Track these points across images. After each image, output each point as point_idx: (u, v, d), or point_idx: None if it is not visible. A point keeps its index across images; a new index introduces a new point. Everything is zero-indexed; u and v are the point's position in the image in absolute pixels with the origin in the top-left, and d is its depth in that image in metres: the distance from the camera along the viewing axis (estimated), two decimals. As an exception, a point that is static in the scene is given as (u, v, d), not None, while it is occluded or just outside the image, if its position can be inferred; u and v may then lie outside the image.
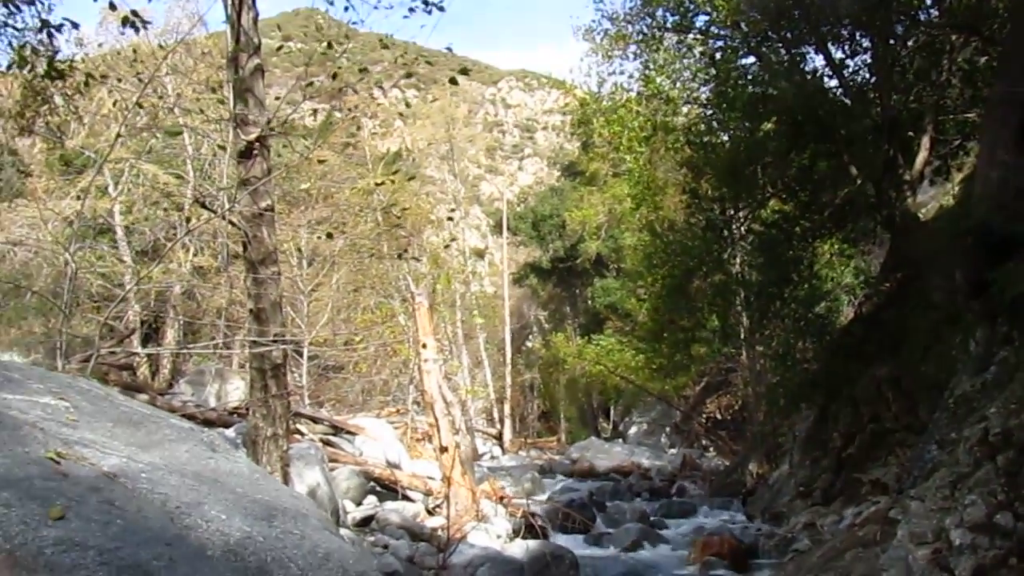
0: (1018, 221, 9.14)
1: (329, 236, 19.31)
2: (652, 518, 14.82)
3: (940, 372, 10.70)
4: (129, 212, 22.84)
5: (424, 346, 12.88)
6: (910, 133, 14.37)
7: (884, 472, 11.53)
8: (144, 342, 22.98)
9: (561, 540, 12.18)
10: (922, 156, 14.04)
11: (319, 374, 23.90)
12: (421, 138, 37.23)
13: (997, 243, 9.61)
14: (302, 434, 13.91)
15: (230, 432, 12.51)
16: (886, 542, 7.99)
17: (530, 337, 42.71)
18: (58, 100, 10.55)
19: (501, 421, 34.22)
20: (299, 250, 21.90)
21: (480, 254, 47.20)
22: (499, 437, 33.02)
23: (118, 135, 12.93)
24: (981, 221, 9.71)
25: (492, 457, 28.67)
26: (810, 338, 15.86)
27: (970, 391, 9.07)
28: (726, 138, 17.14)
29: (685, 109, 18.91)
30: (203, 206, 9.14)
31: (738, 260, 17.72)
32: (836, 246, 16.84)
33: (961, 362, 10.03)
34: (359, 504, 11.88)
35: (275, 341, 8.05)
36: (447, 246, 27.24)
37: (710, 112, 17.54)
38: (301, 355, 20.87)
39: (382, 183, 16.53)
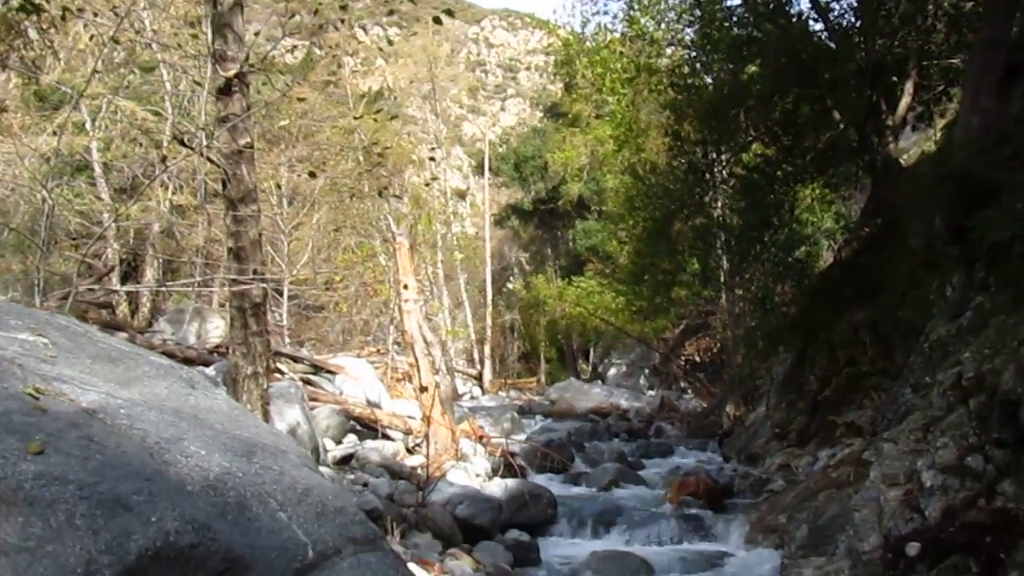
0: (998, 167, 9.16)
1: (311, 175, 19.20)
2: (630, 458, 14.97)
3: (917, 317, 10.80)
4: (107, 149, 22.57)
5: (405, 286, 12.87)
6: (894, 78, 14.33)
7: (859, 415, 11.67)
8: (123, 280, 22.87)
9: (539, 479, 12.31)
10: (905, 101, 14.01)
11: (299, 314, 23.88)
12: (403, 77, 36.84)
13: (977, 189, 9.65)
14: (282, 373, 13.93)
15: (210, 370, 12.52)
16: (859, 483, 8.12)
17: (511, 278, 42.74)
18: (33, 34, 10.37)
19: (481, 362, 34.38)
20: (279, 188, 21.75)
21: (462, 195, 47.02)
22: (479, 378, 33.20)
23: (95, 70, 12.73)
24: (961, 167, 9.72)
25: (472, 397, 28.86)
26: (789, 282, 15.97)
27: (945, 336, 9.17)
28: (709, 81, 17.06)
29: (669, 51, 18.80)
30: (182, 143, 9.04)
31: (719, 203, 17.72)
32: (817, 191, 16.87)
33: (937, 307, 10.12)
34: (339, 443, 11.94)
35: (255, 280, 8.02)
36: (428, 185, 27.08)
37: (694, 54, 17.43)
38: (281, 294, 20.84)
39: (361, 118, 16.37)
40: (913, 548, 6.65)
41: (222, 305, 19.38)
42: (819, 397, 12.84)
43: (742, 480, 12.05)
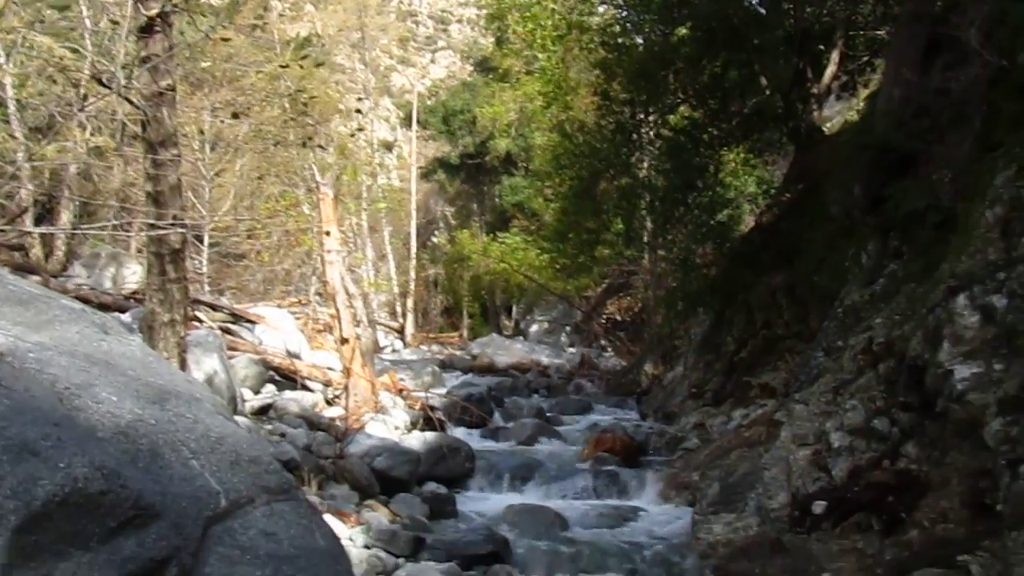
0: (916, 139, 9.36)
1: (235, 116, 18.78)
2: (548, 414, 15.11)
3: (832, 282, 11.04)
4: (22, 86, 21.77)
5: (327, 234, 12.71)
6: (821, 47, 14.52)
7: (773, 377, 11.94)
8: (37, 222, 22.18)
9: (458, 433, 12.36)
10: (831, 70, 14.22)
11: (220, 262, 23.46)
12: (332, 24, 36.13)
13: (895, 160, 9.86)
14: (200, 321, 13.70)
15: (126, 317, 12.26)
16: (770, 443, 8.31)
17: (436, 232, 42.56)
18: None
19: (403, 315, 34.24)
20: (201, 133, 21.25)
21: (388, 146, 46.49)
22: (401, 331, 33.08)
23: (7, 1, 12.23)
24: (881, 137, 9.92)
25: (393, 350, 28.76)
26: (710, 244, 16.17)
27: (858, 301, 9.39)
28: (640, 41, 17.07)
29: (601, 9, 18.77)
30: (100, 83, 8.73)
31: (645, 164, 17.81)
32: (742, 155, 17.07)
33: (852, 274, 10.35)
34: (257, 393, 11.83)
35: (174, 225, 7.87)
36: (354, 136, 26.73)
37: (625, 13, 17.42)
38: (201, 241, 20.45)
39: (287, 67, 16.04)
40: (819, 506, 6.86)
41: (140, 251, 18.95)
42: (735, 358, 13.09)
43: (658, 438, 12.25)
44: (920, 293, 7.56)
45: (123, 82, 8.04)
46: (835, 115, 18.01)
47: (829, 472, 7.18)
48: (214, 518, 2.66)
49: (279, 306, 18.21)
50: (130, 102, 8.18)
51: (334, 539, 3.03)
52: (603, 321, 27.94)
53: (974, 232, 6.73)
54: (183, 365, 8.08)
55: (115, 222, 18.29)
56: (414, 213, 36.04)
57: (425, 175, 40.57)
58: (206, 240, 20.30)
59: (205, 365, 9.98)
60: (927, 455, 6.66)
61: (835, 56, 14.08)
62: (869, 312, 8.86)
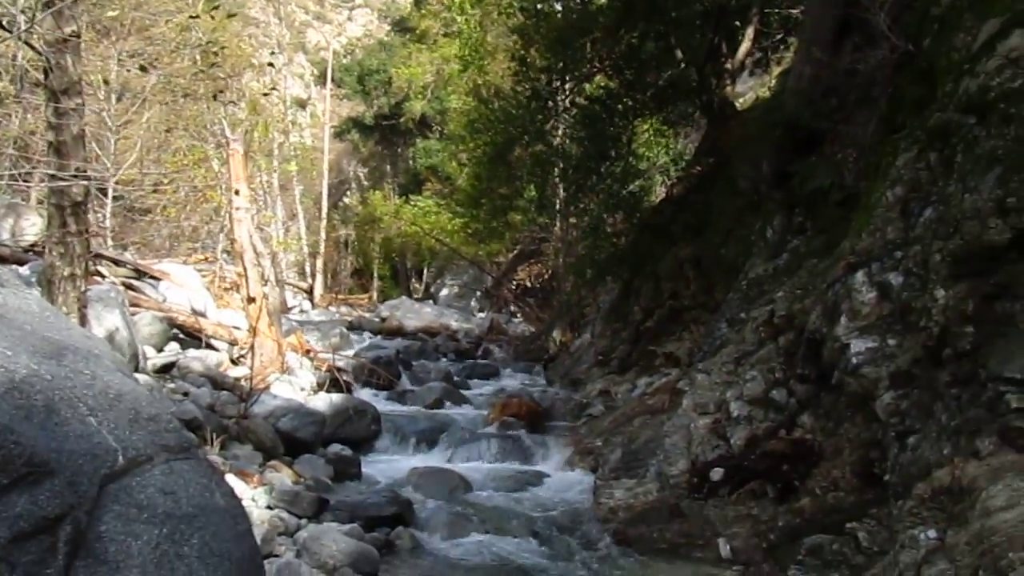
0: (824, 118, 9.57)
1: (143, 69, 18.23)
2: (456, 378, 15.15)
3: (738, 256, 11.26)
4: (-85, 25, 20.78)
5: (236, 192, 12.47)
6: (736, 23, 14.69)
7: (678, 346, 12.15)
8: (-71, 168, 21.32)
9: (365, 395, 12.32)
10: (745, 46, 14.42)
11: (124, 216, 22.83)
12: (246, -26, 35.30)
13: (802, 137, 10.07)
14: (102, 276, 13.34)
15: (24, 270, 11.89)
16: (672, 411, 8.48)
17: (348, 193, 42.09)
18: None
19: (313, 276, 33.84)
20: (107, 83, 20.57)
21: (302, 104, 45.67)
22: (310, 291, 32.71)
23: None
24: (790, 115, 10.11)
25: (302, 311, 28.44)
26: (621, 214, 16.32)
27: (762, 275, 9.60)
28: (559, 8, 17.05)
29: (521, -26, 18.62)
30: (1, 27, 8.39)
31: (560, 132, 17.84)
32: (655, 126, 17.22)
33: (757, 247, 10.57)
34: (160, 351, 11.60)
35: (76, 177, 7.63)
36: (267, 93, 26.17)
37: (545, -21, 17.35)
38: (105, 195, 19.85)
39: (198, 17, 15.62)
40: (717, 473, 7.04)
41: (40, 202, 18.35)
42: (642, 327, 13.27)
43: (563, 404, 12.38)
44: (821, 269, 7.77)
45: (24, 26, 7.75)
46: (748, 91, 18.28)
47: (728, 440, 7.37)
48: (111, 476, 2.62)
49: (185, 263, 17.83)
50: (32, 47, 7.89)
51: (234, 498, 3.01)
52: (513, 287, 28.04)
53: (874, 211, 6.92)
54: (83, 321, 7.88)
55: (14, 171, 17.67)
56: (326, 173, 35.56)
57: (338, 134, 40.03)
58: (110, 193, 19.70)
59: (106, 321, 9.74)
60: (821, 426, 6.88)
61: (750, 32, 14.27)
62: (772, 286, 9.08)
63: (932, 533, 4.99)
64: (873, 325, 6.39)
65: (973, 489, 4.66)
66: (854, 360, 6.32)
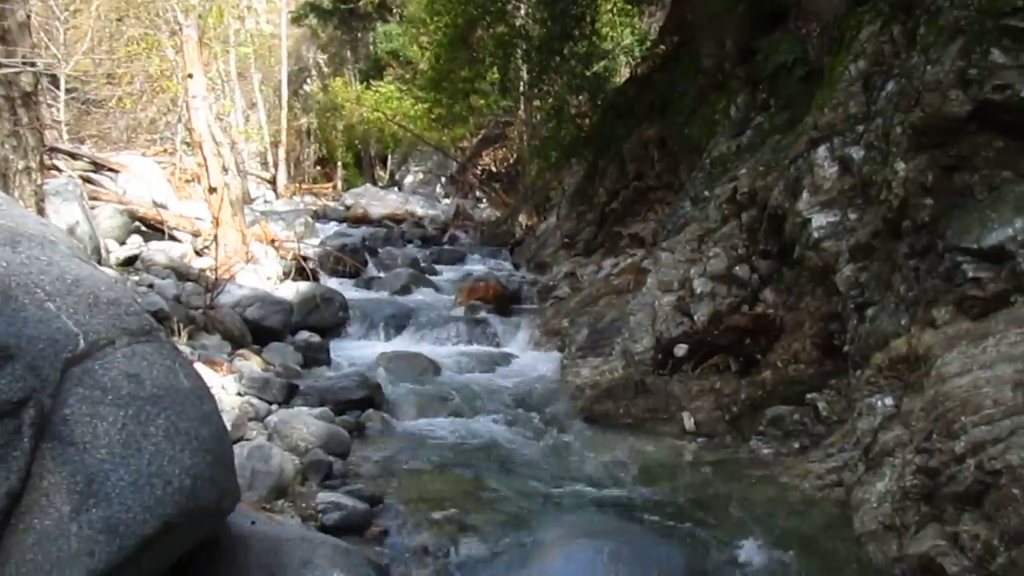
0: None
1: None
2: (423, 264, 15.17)
3: (703, 135, 11.22)
4: None
5: (190, 76, 12.16)
6: None
7: (643, 227, 12.20)
8: None
9: (332, 283, 12.32)
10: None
11: (79, 109, 22.30)
12: None
13: (766, 13, 9.95)
14: (59, 170, 13.10)
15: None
16: (637, 290, 8.57)
17: (308, 80, 41.19)
18: None
19: (275, 165, 33.34)
20: (51, -32, 19.85)
21: (257, -12, 44.34)
22: (273, 182, 32.29)
23: None
24: (754, -11, 9.96)
25: (265, 202, 28.12)
26: (585, 95, 16.15)
27: (726, 153, 9.60)
28: None
29: None
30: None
31: (522, 12, 17.48)
32: (619, 5, 16.91)
33: (722, 126, 10.54)
34: (123, 244, 11.47)
35: (24, 65, 7.42)
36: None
37: None
38: (58, 87, 19.36)
39: None
40: (681, 349, 7.16)
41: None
42: (607, 209, 13.28)
43: (530, 287, 12.48)
44: (784, 145, 7.77)
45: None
46: (712, -34, 17.93)
47: (691, 317, 7.47)
48: (72, 360, 2.61)
49: (144, 155, 17.53)
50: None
51: (198, 379, 3.02)
52: (478, 172, 27.86)
53: (837, 85, 6.90)
54: (41, 214, 7.76)
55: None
56: (285, 60, 34.72)
57: (296, 20, 38.95)
58: (62, 85, 19.20)
59: (65, 215, 9.61)
60: (783, 300, 6.98)
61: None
62: (735, 163, 9.08)
63: (889, 400, 5.13)
64: (834, 199, 6.44)
65: (929, 357, 4.78)
66: (815, 234, 6.38)
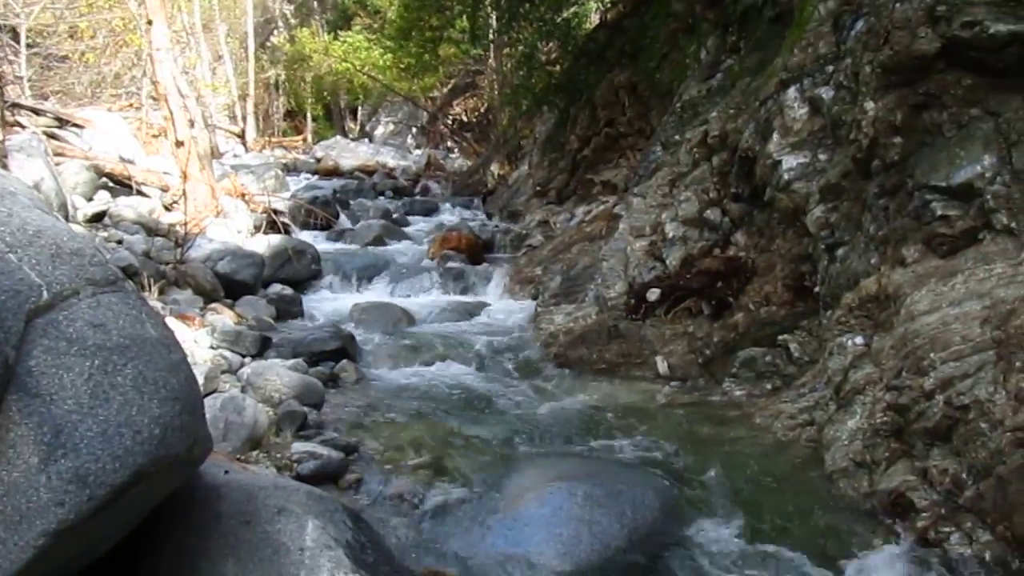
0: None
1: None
2: (395, 215, 15.10)
3: (673, 79, 11.20)
4: None
5: (149, 23, 11.90)
6: None
7: (615, 174, 12.19)
8: None
9: (304, 236, 12.25)
10: None
11: (41, 65, 21.91)
12: None
13: (735, -47, 9.86)
14: (22, 127, 12.89)
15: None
16: (610, 236, 8.56)
17: (275, 32, 40.59)
18: None
19: (244, 119, 32.95)
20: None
21: (220, -63, 43.52)
22: (242, 135, 31.89)
23: None
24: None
25: (235, 156, 27.76)
26: (556, 42, 16.02)
27: (696, 97, 9.56)
28: None
29: None
30: None
31: (490, -42, 17.26)
32: (588, -51, 16.74)
33: (692, 70, 10.50)
34: (90, 200, 11.33)
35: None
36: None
37: None
38: (18, 42, 18.99)
39: None
40: (653, 294, 7.18)
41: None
42: (579, 156, 13.25)
43: (503, 236, 12.47)
44: (754, 87, 7.75)
45: None
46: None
47: (663, 261, 7.49)
48: (36, 311, 2.58)
49: (109, 111, 17.27)
50: None
51: (166, 328, 2.99)
52: (449, 122, 27.68)
53: (807, 26, 6.87)
54: (4, 169, 7.64)
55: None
56: (251, 10, 34.16)
57: (260, -31, 38.39)
58: (23, 40, 18.83)
59: (30, 171, 9.46)
60: (754, 243, 7.01)
61: None
62: (706, 107, 9.05)
63: (859, 340, 5.18)
64: (804, 141, 6.44)
65: (898, 296, 4.81)
66: (785, 176, 6.39)
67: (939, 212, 4.72)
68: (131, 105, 19.55)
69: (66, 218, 9.55)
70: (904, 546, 3.96)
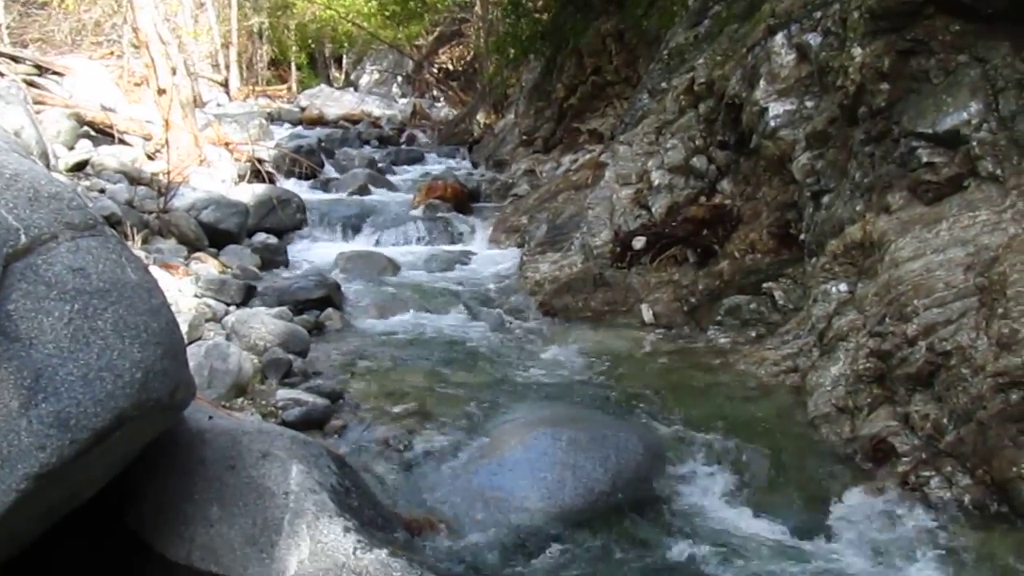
0: None
1: None
2: (380, 165, 15.02)
3: (661, 27, 11.10)
4: None
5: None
6: None
7: (601, 122, 12.13)
8: None
9: (288, 185, 12.16)
10: None
11: (20, 12, 21.58)
12: None
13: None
14: (1, 74, 12.71)
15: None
16: (596, 185, 8.53)
17: (258, -22, 40.13)
18: None
19: (227, 67, 32.59)
20: None
21: None
22: (225, 84, 31.56)
23: None
24: None
25: (218, 105, 27.48)
26: (542, -12, 15.86)
27: (683, 44, 9.49)
28: None
29: None
30: None
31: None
32: None
33: (679, 16, 10.40)
34: (71, 149, 11.20)
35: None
36: None
37: None
38: (-3, -10, 18.72)
39: None
40: (639, 242, 7.17)
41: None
42: (565, 105, 13.17)
43: (489, 185, 12.43)
44: (741, 33, 7.69)
45: None
46: None
47: (649, 209, 7.48)
48: (14, 255, 2.56)
49: (90, 58, 17.04)
50: None
51: (146, 273, 2.97)
52: (435, 70, 27.42)
53: (795, -29, 6.80)
54: (-17, 116, 7.55)
55: None
56: (232, -44, 33.69)
57: (243, -88, 37.73)
58: (0, -13, 18.55)
59: (9, 119, 9.32)
60: (740, 190, 7.00)
61: None
62: (693, 54, 8.98)
63: (843, 286, 5.20)
64: (791, 87, 6.41)
65: (883, 243, 4.82)
66: (772, 123, 6.36)
67: (925, 159, 4.72)
68: (112, 53, 19.29)
69: (47, 167, 9.46)
70: (885, 490, 4.00)
